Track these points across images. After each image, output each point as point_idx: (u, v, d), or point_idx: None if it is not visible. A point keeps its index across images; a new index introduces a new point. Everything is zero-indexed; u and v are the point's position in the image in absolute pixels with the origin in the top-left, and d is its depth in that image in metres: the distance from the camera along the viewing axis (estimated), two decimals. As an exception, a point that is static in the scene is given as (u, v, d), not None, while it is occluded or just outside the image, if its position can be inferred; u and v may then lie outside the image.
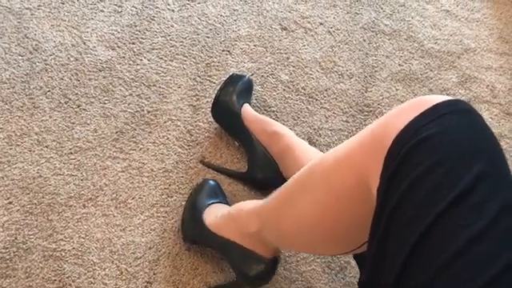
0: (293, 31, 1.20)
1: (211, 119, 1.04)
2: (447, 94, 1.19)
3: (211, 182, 0.94)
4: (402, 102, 1.15)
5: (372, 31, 1.23)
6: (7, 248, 0.88)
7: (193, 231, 0.89)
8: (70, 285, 0.87)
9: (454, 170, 0.47)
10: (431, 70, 1.20)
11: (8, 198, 0.92)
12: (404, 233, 0.47)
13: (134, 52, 1.11)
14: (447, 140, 0.49)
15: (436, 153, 0.48)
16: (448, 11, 1.30)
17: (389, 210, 0.48)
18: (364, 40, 1.21)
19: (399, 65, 1.20)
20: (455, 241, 0.43)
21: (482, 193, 0.45)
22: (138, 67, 1.09)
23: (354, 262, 0.94)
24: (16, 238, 0.89)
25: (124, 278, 0.89)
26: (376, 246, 0.49)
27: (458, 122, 0.51)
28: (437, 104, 0.52)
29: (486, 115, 1.15)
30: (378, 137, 0.54)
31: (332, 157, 0.62)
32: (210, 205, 0.90)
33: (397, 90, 1.16)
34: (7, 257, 0.87)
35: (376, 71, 1.18)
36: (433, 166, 0.48)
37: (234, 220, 0.82)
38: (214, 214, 0.87)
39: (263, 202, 0.76)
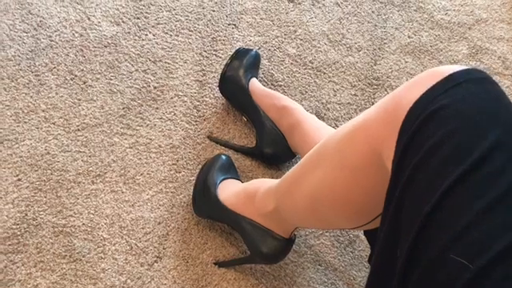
0: (300, 3, 1.17)
1: (218, 94, 1.03)
2: (458, 66, 1.17)
3: (223, 158, 0.94)
4: (411, 74, 1.13)
5: (381, 2, 1.20)
6: (18, 224, 0.89)
7: (206, 206, 0.89)
8: (81, 260, 0.88)
9: (469, 140, 0.46)
10: (441, 42, 1.18)
11: (17, 175, 0.93)
12: (417, 204, 0.46)
13: (138, 27, 1.10)
14: (462, 109, 0.48)
15: (450, 122, 0.47)
16: (459, -19, 1.26)
17: (402, 182, 0.48)
18: (373, 11, 1.19)
19: (409, 37, 1.17)
20: (468, 212, 0.43)
21: (497, 162, 0.45)
22: (144, 42, 1.08)
23: (363, 236, 0.94)
24: (26, 215, 0.90)
25: (134, 252, 0.89)
26: (390, 218, 0.49)
27: (474, 90, 0.49)
28: (451, 74, 0.51)
29: (497, 87, 1.13)
30: (392, 109, 0.53)
31: (345, 131, 0.61)
32: (222, 180, 0.90)
33: (406, 62, 1.14)
34: (18, 233, 0.88)
35: (385, 43, 1.16)
36: (447, 136, 0.47)
37: (251, 199, 0.82)
38: (229, 191, 0.87)
39: (279, 181, 0.76)
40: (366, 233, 0.73)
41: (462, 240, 0.42)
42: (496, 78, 1.15)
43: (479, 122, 0.47)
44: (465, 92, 0.49)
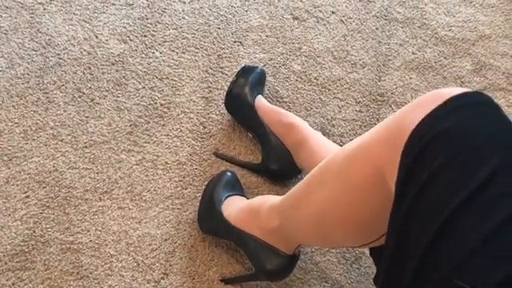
0: (304, 21, 1.19)
1: (224, 111, 1.04)
2: (462, 82, 1.17)
3: (229, 174, 0.94)
4: (416, 90, 1.14)
5: (385, 19, 1.22)
6: (26, 241, 0.89)
7: (211, 223, 0.89)
8: (88, 277, 0.88)
9: (472, 163, 0.46)
10: (445, 58, 1.19)
11: (25, 192, 0.94)
12: (422, 227, 0.47)
13: (145, 45, 1.11)
14: (465, 132, 0.48)
15: (453, 146, 0.48)
16: (462, -3, 1.28)
17: (407, 204, 0.48)
18: (377, 28, 1.20)
19: (413, 53, 1.18)
20: (473, 236, 0.43)
21: (500, 185, 0.45)
22: (151, 60, 1.09)
23: (368, 253, 0.94)
24: (34, 232, 0.90)
25: (140, 269, 0.90)
26: (395, 239, 0.49)
27: (476, 114, 0.50)
28: (454, 96, 0.51)
29: (501, 103, 1.14)
30: (395, 131, 0.54)
31: (348, 151, 0.62)
32: (227, 197, 0.90)
33: (411, 78, 1.15)
34: (26, 250, 0.89)
35: (389, 60, 1.17)
36: (450, 160, 0.47)
37: (255, 215, 0.82)
38: (233, 207, 0.87)
39: (283, 198, 0.77)
40: (371, 253, 0.73)
41: (466, 266, 0.42)
42: (500, 94, 1.15)
43: (482, 145, 0.48)
44: (467, 115, 0.50)
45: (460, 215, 0.44)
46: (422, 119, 0.51)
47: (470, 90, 0.52)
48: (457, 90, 0.52)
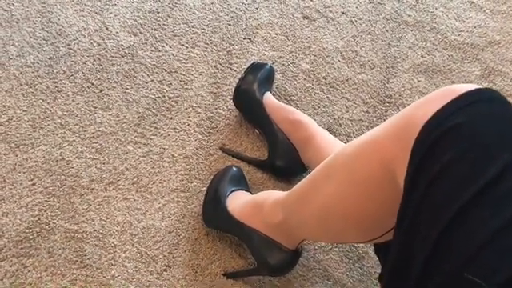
0: (314, 20, 1.19)
1: (231, 107, 1.05)
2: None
3: (234, 169, 0.94)
4: (423, 93, 1.14)
5: (395, 21, 1.22)
6: (31, 228, 0.90)
7: (215, 217, 0.89)
8: (91, 266, 0.88)
9: (483, 159, 0.47)
10: (454, 63, 1.19)
11: (32, 180, 0.94)
12: (431, 222, 0.47)
13: (155, 38, 1.11)
14: (476, 129, 0.49)
15: (464, 141, 0.48)
16: (473, 2, 1.28)
17: (416, 198, 0.48)
18: (386, 30, 1.20)
19: (422, 56, 1.18)
20: (483, 230, 0.43)
21: (510, 181, 0.45)
22: (160, 53, 1.10)
23: (372, 253, 0.94)
24: (39, 219, 0.91)
25: (144, 260, 0.90)
26: (403, 234, 0.49)
27: (487, 110, 0.50)
28: (466, 92, 0.52)
29: (508, 109, 1.14)
30: (404, 125, 0.54)
31: (356, 145, 0.62)
32: (232, 192, 0.90)
33: (419, 81, 1.15)
34: (30, 236, 0.89)
35: (398, 62, 1.17)
36: (461, 155, 0.47)
37: (259, 209, 0.82)
38: (238, 202, 0.87)
39: (287, 192, 0.77)
40: (376, 249, 0.73)
41: (476, 260, 0.42)
42: (508, 101, 1.15)
43: (493, 142, 0.48)
44: (479, 111, 0.50)
45: (471, 209, 0.45)
46: (434, 113, 0.51)
47: (481, 86, 0.53)
48: (469, 87, 0.52)
